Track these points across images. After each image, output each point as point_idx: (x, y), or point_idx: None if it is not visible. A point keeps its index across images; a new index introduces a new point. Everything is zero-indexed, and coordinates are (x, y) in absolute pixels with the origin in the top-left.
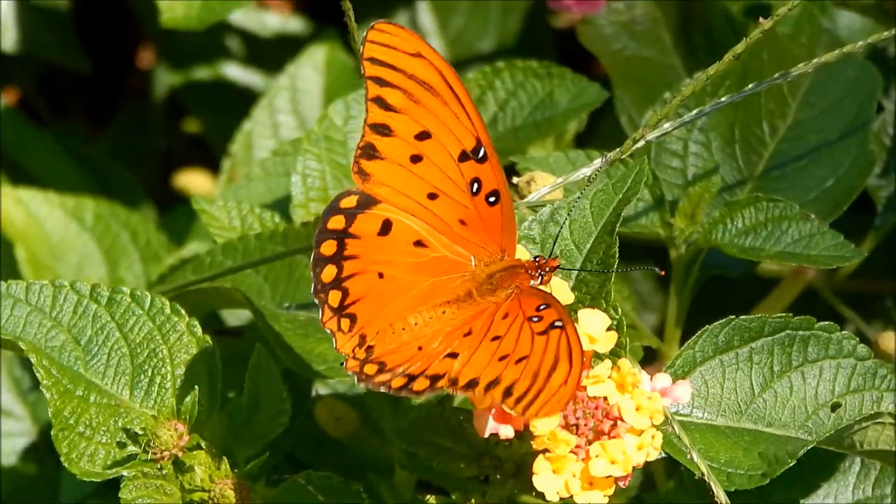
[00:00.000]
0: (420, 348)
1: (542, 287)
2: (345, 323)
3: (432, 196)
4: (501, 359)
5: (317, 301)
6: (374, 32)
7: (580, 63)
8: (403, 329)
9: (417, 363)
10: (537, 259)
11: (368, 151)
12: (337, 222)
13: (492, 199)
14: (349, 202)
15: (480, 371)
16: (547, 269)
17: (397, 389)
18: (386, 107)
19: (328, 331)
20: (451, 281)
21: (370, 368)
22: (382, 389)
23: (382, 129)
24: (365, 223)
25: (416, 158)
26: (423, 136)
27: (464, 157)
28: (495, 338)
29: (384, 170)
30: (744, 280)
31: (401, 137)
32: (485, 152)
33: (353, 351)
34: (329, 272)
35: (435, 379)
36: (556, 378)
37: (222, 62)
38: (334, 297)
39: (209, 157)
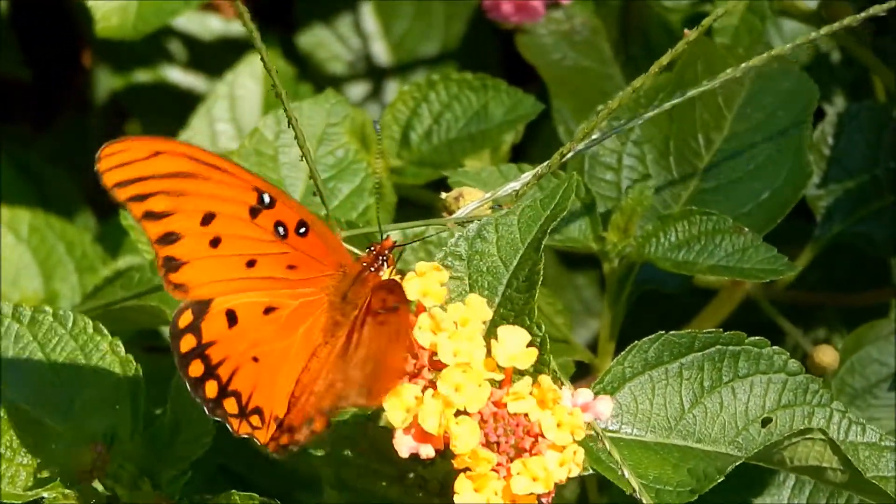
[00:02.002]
0: (311, 393)
1: (389, 274)
2: (255, 420)
3: (251, 263)
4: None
5: (219, 419)
6: (104, 160)
7: (526, 66)
8: (304, 388)
9: (312, 407)
10: (372, 248)
11: (170, 264)
12: (188, 342)
13: (302, 231)
14: (186, 318)
15: (345, 386)
16: (386, 253)
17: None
18: (158, 216)
19: (245, 436)
20: (317, 322)
21: (283, 439)
22: (304, 442)
23: (169, 238)
24: (211, 327)
25: (215, 242)
26: (207, 219)
27: (255, 212)
28: (356, 346)
29: (194, 271)
30: (682, 293)
31: (189, 234)
32: (270, 197)
33: (274, 437)
34: (211, 388)
35: (329, 412)
36: (391, 356)
37: (164, 65)
38: (230, 406)
39: None
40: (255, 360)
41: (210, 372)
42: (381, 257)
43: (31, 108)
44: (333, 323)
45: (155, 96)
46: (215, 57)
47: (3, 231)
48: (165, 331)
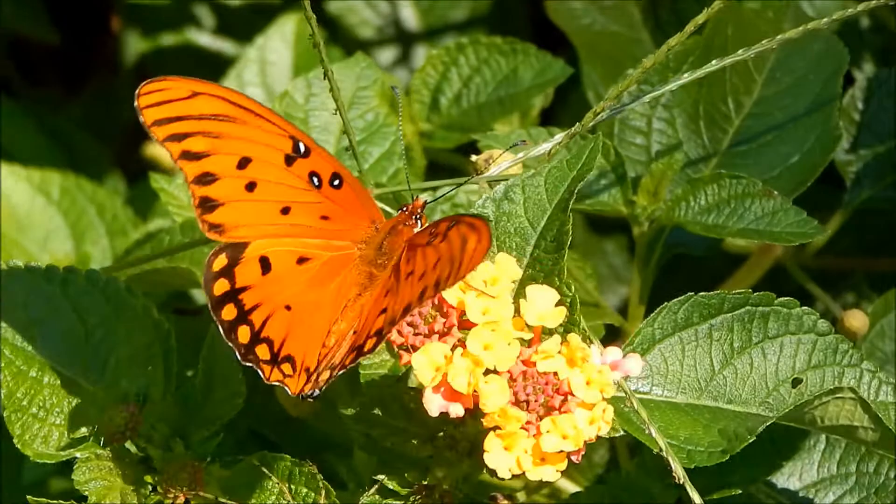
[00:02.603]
0: (355, 332)
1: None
2: (286, 367)
3: (285, 210)
4: (420, 277)
5: (251, 365)
6: (143, 97)
7: (554, 32)
8: (336, 339)
9: (360, 338)
10: (404, 208)
11: (206, 205)
12: (222, 286)
13: (336, 183)
14: (220, 262)
15: (411, 296)
16: (419, 212)
17: (353, 361)
18: (195, 156)
19: (276, 384)
20: (349, 275)
21: (324, 375)
22: (341, 373)
23: (205, 178)
24: (246, 272)
25: (251, 186)
26: (244, 163)
27: (290, 159)
28: (409, 273)
29: (229, 213)
30: (712, 257)
31: (226, 176)
32: (305, 146)
33: (304, 387)
34: (244, 332)
35: (378, 333)
36: (469, 245)
37: (192, 29)
38: (262, 352)
39: None
40: (288, 308)
41: (243, 317)
42: (414, 216)
43: (60, 72)
44: (368, 276)
45: (183, 60)
46: (243, 21)
47: (33, 194)
48: (195, 293)
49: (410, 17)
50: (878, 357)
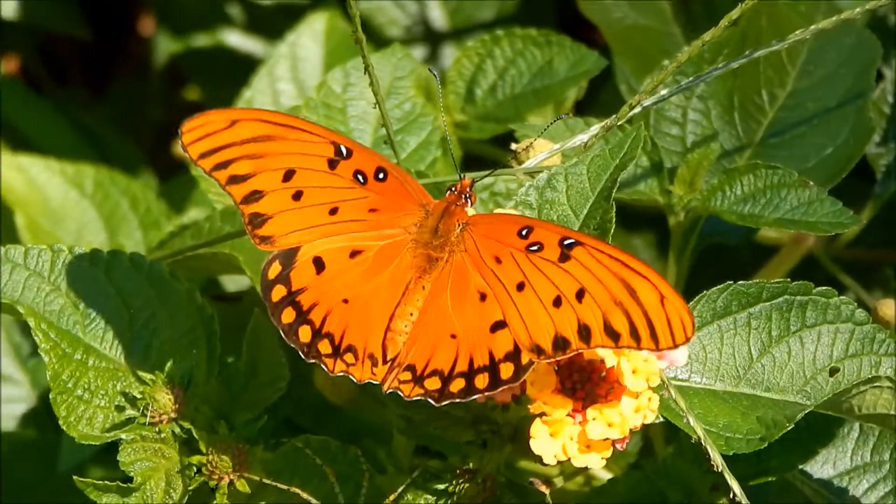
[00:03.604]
0: (453, 336)
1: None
2: (349, 357)
3: (333, 211)
4: (556, 304)
5: (314, 361)
6: (186, 135)
7: (581, 32)
8: (405, 325)
9: (474, 351)
10: (452, 188)
11: (255, 220)
12: (279, 292)
13: (381, 176)
14: (275, 269)
15: (552, 326)
16: (468, 191)
17: (488, 388)
18: (242, 179)
19: (341, 375)
20: (404, 259)
21: (432, 383)
22: (474, 398)
23: (253, 197)
24: (301, 275)
25: (297, 195)
26: (288, 175)
27: (333, 163)
28: (520, 286)
29: (279, 223)
30: (743, 248)
31: (272, 191)
32: (346, 148)
33: (372, 373)
34: (304, 332)
35: (512, 357)
36: (645, 297)
37: (223, 29)
38: (324, 347)
39: None
40: (346, 301)
41: (303, 317)
42: (463, 195)
43: (88, 72)
44: (426, 258)
45: (213, 60)
46: (273, 21)
47: (67, 187)
48: (231, 280)
49: (438, 17)
50: None
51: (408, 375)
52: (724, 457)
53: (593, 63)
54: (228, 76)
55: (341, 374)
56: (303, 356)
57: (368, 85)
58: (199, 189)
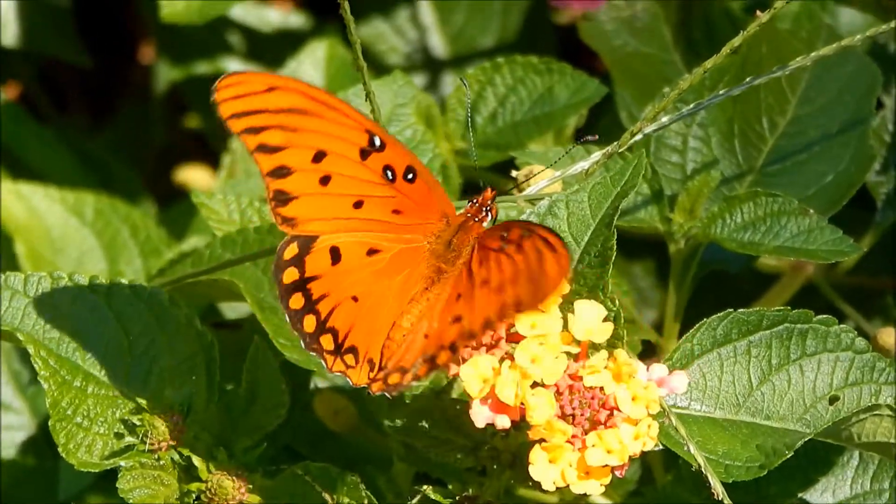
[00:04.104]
0: (426, 336)
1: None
2: (349, 359)
3: (358, 204)
4: (498, 289)
5: (314, 354)
6: (221, 91)
7: (581, 60)
8: (403, 335)
9: (432, 345)
10: (475, 201)
11: (280, 198)
12: (291, 275)
13: (410, 177)
14: (291, 251)
15: (488, 310)
16: (489, 204)
17: (427, 374)
18: (271, 150)
19: (338, 374)
20: (417, 268)
21: (394, 378)
22: (414, 383)
23: (280, 171)
24: (316, 262)
25: (325, 180)
26: (319, 156)
27: (365, 154)
28: (484, 281)
29: (303, 206)
30: (743, 276)
31: (301, 169)
32: (381, 140)
33: (369, 378)
34: (309, 322)
35: (452, 346)
36: (548, 266)
37: (223, 57)
38: (327, 342)
39: (210, 152)
40: (355, 299)
41: (310, 306)
42: (484, 208)
43: (88, 100)
44: (437, 270)
45: None
46: (274, 49)
47: (67, 215)
48: (230, 307)
49: (438, 45)
50: None
51: (396, 377)
52: (724, 484)
53: (594, 90)
54: None
55: (339, 373)
56: (303, 346)
57: (370, 112)
58: (200, 216)
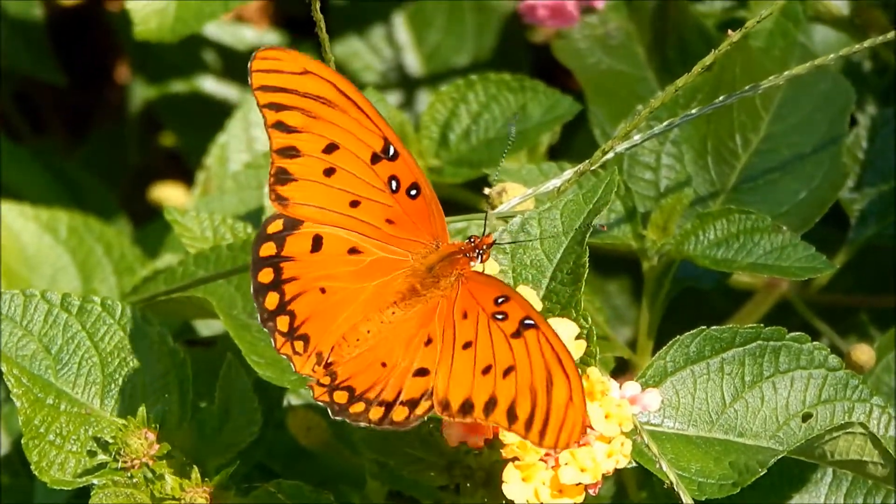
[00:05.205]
0: (384, 364)
1: (480, 266)
2: (298, 345)
3: (354, 203)
4: (485, 371)
5: (267, 330)
6: (257, 61)
7: (556, 78)
8: (358, 339)
9: (388, 385)
10: (472, 239)
11: (281, 176)
12: (268, 249)
13: (413, 193)
14: (276, 227)
15: (469, 389)
16: (483, 248)
17: (379, 422)
18: (287, 129)
19: (284, 356)
20: (392, 281)
21: (340, 396)
22: (363, 424)
23: (289, 152)
24: (296, 244)
25: (329, 172)
26: (330, 148)
27: (376, 158)
28: (466, 344)
29: (301, 190)
30: (717, 293)
31: (309, 155)
32: (395, 150)
33: (313, 370)
34: (272, 299)
35: (413, 404)
36: (557, 395)
37: (198, 76)
38: (283, 323)
39: (185, 170)
40: (323, 291)
41: (277, 284)
42: (479, 249)
43: (63, 119)
44: (410, 288)
45: (189, 106)
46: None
47: (41, 233)
48: (204, 324)
49: (413, 63)
50: (883, 392)
51: (343, 396)
52: (697, 502)
53: (567, 108)
54: (204, 122)
55: (284, 356)
56: (259, 321)
57: None
58: (174, 234)
